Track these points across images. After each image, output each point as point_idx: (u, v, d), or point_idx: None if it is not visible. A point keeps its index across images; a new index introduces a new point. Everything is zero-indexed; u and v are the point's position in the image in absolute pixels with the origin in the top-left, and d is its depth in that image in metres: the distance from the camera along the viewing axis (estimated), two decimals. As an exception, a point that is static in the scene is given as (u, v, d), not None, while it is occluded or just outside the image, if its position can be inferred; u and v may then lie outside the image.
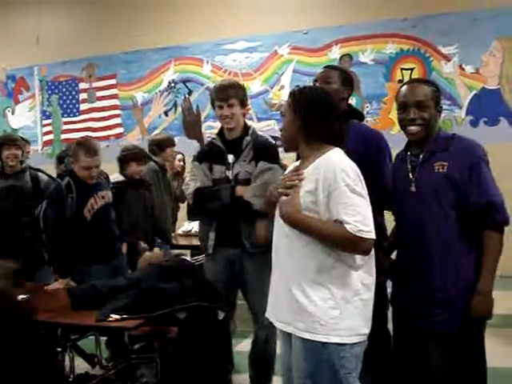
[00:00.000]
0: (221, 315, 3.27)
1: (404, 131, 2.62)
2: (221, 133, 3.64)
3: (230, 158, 3.54)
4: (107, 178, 4.36)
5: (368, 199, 2.28)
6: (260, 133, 3.68)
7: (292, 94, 2.47)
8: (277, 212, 2.43)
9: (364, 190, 2.27)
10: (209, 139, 3.76)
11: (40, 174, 4.64)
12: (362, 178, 2.30)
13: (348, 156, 2.38)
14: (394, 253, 2.81)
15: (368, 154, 2.93)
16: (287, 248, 2.37)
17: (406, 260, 2.64)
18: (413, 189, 2.56)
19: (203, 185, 3.55)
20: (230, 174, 3.53)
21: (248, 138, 3.54)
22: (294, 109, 2.39)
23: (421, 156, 2.57)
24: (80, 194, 3.99)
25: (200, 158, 3.66)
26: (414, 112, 2.55)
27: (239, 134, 3.56)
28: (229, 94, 3.49)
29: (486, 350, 2.49)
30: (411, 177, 2.58)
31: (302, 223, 2.28)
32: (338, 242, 2.24)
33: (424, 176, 2.54)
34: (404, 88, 2.67)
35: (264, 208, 3.31)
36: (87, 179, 4.00)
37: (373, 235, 2.23)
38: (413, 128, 2.56)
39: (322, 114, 2.39)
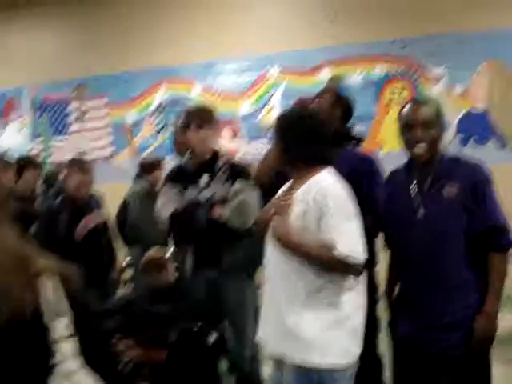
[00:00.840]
0: (213, 336, 3.25)
1: (410, 152, 2.55)
2: (191, 156, 3.65)
3: (204, 179, 3.54)
4: (100, 200, 4.35)
5: (359, 221, 2.28)
6: (238, 157, 3.72)
7: (276, 120, 2.53)
8: (269, 234, 2.42)
9: (355, 212, 2.27)
10: (181, 161, 3.77)
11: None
12: (352, 200, 2.30)
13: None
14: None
15: (360, 179, 2.92)
16: (278, 271, 2.36)
17: (413, 288, 2.57)
18: (420, 216, 2.49)
19: (177, 208, 3.53)
20: (203, 195, 3.53)
21: (222, 160, 3.55)
22: (276, 132, 2.46)
23: (428, 181, 2.51)
24: (71, 215, 3.97)
25: (172, 180, 3.65)
26: (419, 132, 2.49)
27: (210, 155, 3.57)
28: (208, 117, 3.57)
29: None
30: (417, 204, 2.50)
31: (295, 246, 2.28)
32: (328, 266, 2.24)
33: (433, 203, 2.48)
34: (407, 108, 2.61)
35: (242, 227, 3.33)
36: (79, 198, 3.98)
37: (363, 258, 2.23)
38: (420, 149, 2.50)
39: (300, 136, 2.39)
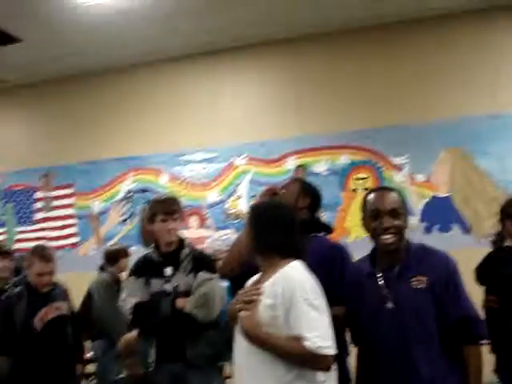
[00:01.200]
0: None
1: (376, 241, 2.51)
2: (156, 246, 3.63)
3: (169, 270, 3.53)
4: (65, 290, 4.25)
5: (328, 314, 2.26)
6: (204, 246, 3.72)
7: (249, 209, 2.57)
8: (237, 327, 2.39)
9: (323, 305, 2.26)
10: (144, 253, 3.76)
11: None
12: (321, 292, 2.29)
13: (312, 269, 2.37)
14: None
15: (331, 266, 2.91)
16: (247, 365, 2.31)
17: (384, 382, 2.46)
18: (389, 306, 2.42)
19: (141, 299, 3.50)
20: (168, 286, 3.50)
21: (186, 250, 3.55)
22: (248, 221, 2.49)
23: (395, 270, 2.46)
24: (31, 303, 3.88)
25: (136, 272, 3.63)
26: (387, 220, 2.45)
27: (176, 246, 3.57)
28: (174, 207, 3.55)
29: None
30: (386, 293, 2.44)
31: (262, 339, 2.25)
32: (297, 359, 2.21)
33: (402, 292, 2.42)
34: (374, 196, 2.57)
35: (206, 319, 3.29)
36: (40, 286, 3.91)
37: (333, 351, 2.19)
38: (388, 237, 2.44)
39: (270, 226, 2.42)
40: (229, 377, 3.58)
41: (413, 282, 2.39)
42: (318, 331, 2.16)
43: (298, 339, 2.17)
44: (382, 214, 2.48)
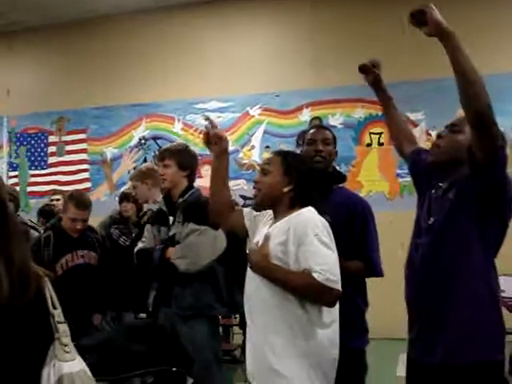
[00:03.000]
0: (189, 381, 3.18)
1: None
2: (168, 195, 3.66)
3: (170, 219, 3.59)
4: (103, 238, 4.26)
5: (336, 254, 2.27)
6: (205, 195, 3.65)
7: (282, 156, 2.50)
8: (248, 268, 2.41)
9: (333, 245, 2.29)
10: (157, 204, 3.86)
11: (31, 229, 4.53)
12: (332, 235, 2.31)
13: (332, 223, 2.39)
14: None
15: (353, 222, 2.88)
16: (256, 299, 2.35)
17: None
18: None
19: (146, 246, 3.61)
20: (170, 235, 3.58)
21: (180, 200, 3.55)
22: (286, 171, 2.42)
23: None
24: (58, 247, 3.93)
25: (151, 220, 3.75)
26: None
27: (178, 196, 3.58)
28: (164, 155, 3.57)
29: None
30: None
31: (270, 271, 2.30)
32: (304, 290, 2.25)
33: None
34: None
35: (189, 270, 3.34)
36: (72, 231, 3.96)
37: (339, 286, 2.22)
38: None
39: (312, 182, 2.46)
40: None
41: None
42: (327, 265, 2.20)
43: (307, 272, 2.21)
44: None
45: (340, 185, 3.07)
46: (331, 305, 2.26)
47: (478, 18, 6.96)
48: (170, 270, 3.44)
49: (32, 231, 4.49)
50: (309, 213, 2.35)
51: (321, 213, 2.39)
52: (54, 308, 1.54)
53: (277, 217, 2.44)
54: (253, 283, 2.39)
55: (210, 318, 3.56)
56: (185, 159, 3.60)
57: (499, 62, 6.88)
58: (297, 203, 2.40)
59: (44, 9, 8.04)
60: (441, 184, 2.32)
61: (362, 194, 6.97)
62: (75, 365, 1.54)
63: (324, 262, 2.22)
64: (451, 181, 2.26)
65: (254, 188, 2.56)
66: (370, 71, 2.79)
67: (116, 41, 8.32)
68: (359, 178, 7.26)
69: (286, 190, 2.39)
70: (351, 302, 2.64)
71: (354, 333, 2.62)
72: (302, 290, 2.24)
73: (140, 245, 3.67)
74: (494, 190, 2.12)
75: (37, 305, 1.49)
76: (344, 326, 2.36)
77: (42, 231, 4.38)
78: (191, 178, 3.64)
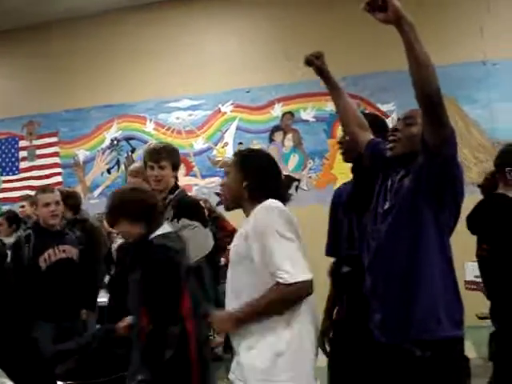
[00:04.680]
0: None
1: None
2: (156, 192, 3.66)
3: None
4: (82, 236, 4.27)
5: (298, 243, 2.34)
6: (192, 193, 3.68)
7: (239, 156, 2.59)
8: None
9: (294, 234, 2.35)
10: None
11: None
12: (293, 223, 2.38)
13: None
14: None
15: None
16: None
17: None
18: None
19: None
20: None
21: (170, 197, 3.54)
22: (241, 168, 2.49)
23: None
24: (38, 244, 3.94)
25: None
26: None
27: (166, 194, 3.57)
28: (161, 156, 3.53)
29: None
30: None
31: (243, 319, 2.34)
32: (284, 302, 2.30)
33: None
34: None
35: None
36: (50, 219, 3.96)
37: (305, 276, 2.28)
38: None
39: (269, 177, 2.51)
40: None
41: None
42: (289, 262, 2.26)
43: (272, 287, 2.27)
44: None
45: None
46: (308, 294, 2.32)
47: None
48: None
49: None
50: (269, 205, 2.38)
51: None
52: None
53: (246, 213, 2.49)
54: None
55: (200, 316, 3.58)
56: (177, 160, 3.64)
57: (466, 50, 6.96)
58: (257, 196, 2.44)
59: (9, 13, 7.93)
60: (397, 172, 2.39)
61: (335, 187, 7.02)
62: None
63: (285, 258, 2.27)
64: (407, 169, 2.32)
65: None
66: (313, 63, 2.82)
67: (84, 42, 8.23)
68: (333, 170, 7.29)
69: (243, 185, 2.45)
70: None
71: None
72: (282, 303, 2.29)
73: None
74: (446, 174, 2.21)
75: None
76: None
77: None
78: (177, 177, 3.69)
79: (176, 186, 3.63)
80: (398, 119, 2.53)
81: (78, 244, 4.18)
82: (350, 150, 2.87)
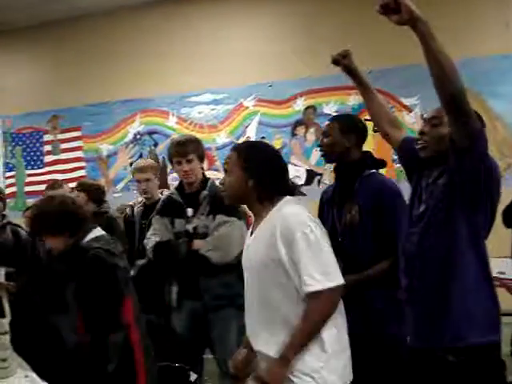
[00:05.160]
0: (193, 376, 3.20)
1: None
2: (180, 186, 3.67)
3: (189, 211, 3.59)
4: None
5: (328, 244, 2.24)
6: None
7: (238, 151, 2.38)
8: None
9: (323, 237, 2.23)
10: (167, 193, 3.81)
11: (20, 229, 4.49)
12: (318, 223, 2.27)
13: (360, 212, 2.46)
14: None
15: (381, 212, 2.86)
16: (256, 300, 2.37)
17: None
18: None
19: (163, 239, 3.57)
20: (189, 227, 3.55)
21: (205, 192, 3.58)
22: (244, 166, 2.31)
23: None
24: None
25: (162, 212, 3.69)
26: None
27: (197, 187, 3.59)
28: (187, 149, 3.55)
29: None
30: None
31: (289, 359, 2.16)
32: (321, 317, 2.19)
33: None
34: None
35: (221, 261, 3.33)
36: None
37: (337, 280, 2.19)
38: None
39: (276, 172, 2.35)
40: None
41: None
42: (320, 268, 2.12)
43: (304, 313, 2.14)
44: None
45: (373, 170, 3.07)
46: (338, 300, 2.23)
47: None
48: (198, 263, 3.44)
49: (21, 230, 4.48)
50: (289, 207, 2.24)
51: (349, 202, 2.42)
52: (2, 316, 1.45)
53: (256, 215, 2.35)
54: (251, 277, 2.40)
55: (240, 308, 3.60)
56: (202, 150, 3.67)
57: (490, 43, 6.87)
58: (267, 196, 2.28)
59: (31, 8, 7.99)
60: (432, 172, 2.32)
61: (358, 182, 7.01)
62: (10, 382, 1.43)
63: (317, 265, 2.15)
64: (442, 169, 2.27)
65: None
66: (340, 62, 2.81)
67: (107, 37, 8.27)
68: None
69: (250, 184, 2.27)
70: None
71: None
72: (321, 320, 2.17)
73: (154, 238, 3.60)
74: (478, 173, 2.14)
75: None
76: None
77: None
78: (203, 168, 3.72)
79: (205, 179, 3.65)
80: (424, 120, 2.48)
81: None
82: (329, 152, 2.92)
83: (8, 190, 8.90)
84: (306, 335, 2.14)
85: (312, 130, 7.50)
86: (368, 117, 7.46)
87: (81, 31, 8.41)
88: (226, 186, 2.37)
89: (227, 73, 7.75)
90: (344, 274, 2.38)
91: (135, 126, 8.28)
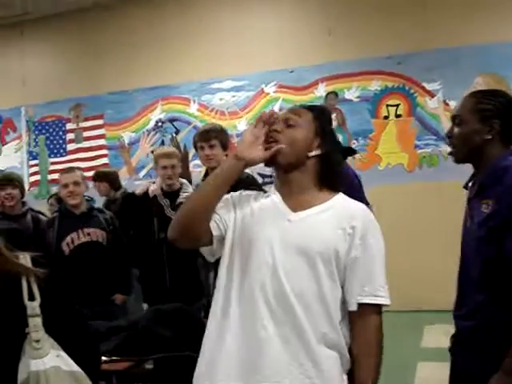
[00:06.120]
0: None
1: None
2: (206, 174, 3.71)
3: None
4: (112, 218, 4.20)
5: None
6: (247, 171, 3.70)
7: (315, 112, 1.94)
8: None
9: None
10: (196, 183, 3.85)
11: (41, 216, 4.51)
12: None
13: None
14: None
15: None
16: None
17: None
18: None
19: None
20: None
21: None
22: (317, 131, 1.90)
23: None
24: (62, 227, 3.95)
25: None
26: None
27: None
28: (210, 135, 3.60)
29: None
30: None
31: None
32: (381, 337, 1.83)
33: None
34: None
35: None
36: (68, 200, 3.97)
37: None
38: None
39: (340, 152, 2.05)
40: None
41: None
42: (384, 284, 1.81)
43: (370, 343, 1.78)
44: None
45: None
46: None
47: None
48: None
49: (41, 217, 4.49)
50: (364, 208, 1.90)
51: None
52: (32, 299, 1.47)
53: (296, 191, 1.85)
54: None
55: None
56: (226, 139, 3.72)
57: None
58: (323, 178, 1.86)
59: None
60: (472, 180, 2.16)
61: (380, 168, 6.98)
62: (45, 362, 1.45)
63: (382, 282, 1.82)
64: (478, 183, 2.10)
65: (270, 138, 1.85)
66: None
67: (129, 26, 8.29)
68: (377, 151, 7.21)
69: (312, 154, 1.85)
70: None
71: None
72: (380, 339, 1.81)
73: None
74: None
75: (8, 296, 1.44)
76: None
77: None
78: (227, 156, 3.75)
79: None
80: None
81: (108, 226, 4.08)
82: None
83: (32, 179, 9.01)
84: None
85: (333, 115, 7.46)
86: (391, 102, 7.47)
87: (101, 20, 8.45)
88: (284, 138, 1.84)
89: (248, 59, 7.74)
90: None
91: (157, 114, 8.31)
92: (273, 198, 1.90)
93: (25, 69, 8.86)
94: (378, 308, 1.80)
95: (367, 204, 2.86)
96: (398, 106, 7.22)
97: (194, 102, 8.10)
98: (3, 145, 9.24)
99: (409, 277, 6.19)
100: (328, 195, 1.86)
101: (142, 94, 8.35)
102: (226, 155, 3.73)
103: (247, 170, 3.57)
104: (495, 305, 2.00)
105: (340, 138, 7.31)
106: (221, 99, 7.98)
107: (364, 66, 7.30)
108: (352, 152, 3.08)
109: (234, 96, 7.91)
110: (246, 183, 3.53)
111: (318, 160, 1.86)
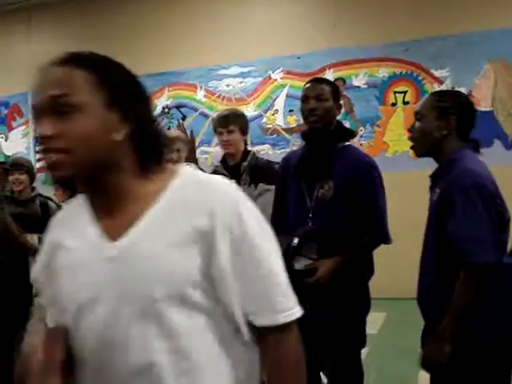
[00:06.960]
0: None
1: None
2: (224, 159, 3.72)
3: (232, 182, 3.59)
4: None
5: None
6: (261, 157, 3.75)
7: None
8: None
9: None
10: (212, 167, 3.86)
11: (49, 201, 4.52)
12: None
13: (338, 187, 2.48)
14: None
15: (360, 186, 2.71)
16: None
17: None
18: None
19: None
20: None
21: (245, 163, 3.60)
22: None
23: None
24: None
25: None
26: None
27: (239, 159, 3.63)
28: (228, 120, 3.60)
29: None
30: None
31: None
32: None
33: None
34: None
35: None
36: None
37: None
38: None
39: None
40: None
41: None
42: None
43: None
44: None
45: (346, 143, 2.88)
46: None
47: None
48: None
49: (50, 203, 4.51)
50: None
51: (324, 177, 2.33)
52: None
53: (114, 201, 1.26)
54: None
55: None
56: (245, 124, 3.72)
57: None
58: (144, 161, 1.26)
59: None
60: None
61: (388, 155, 6.95)
62: None
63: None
64: (434, 179, 2.34)
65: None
66: None
67: (135, 11, 8.27)
68: (385, 138, 7.18)
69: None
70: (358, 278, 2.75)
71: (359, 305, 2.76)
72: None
73: None
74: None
75: (16, 274, 1.43)
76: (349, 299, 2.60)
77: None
78: (246, 141, 3.75)
79: (246, 151, 3.68)
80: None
81: None
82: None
83: (38, 165, 9.00)
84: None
85: (341, 102, 7.43)
86: (399, 89, 7.43)
87: (108, 6, 8.42)
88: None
89: (255, 45, 7.71)
90: (322, 252, 2.51)
91: (163, 100, 8.30)
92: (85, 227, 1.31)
93: (32, 54, 8.85)
94: (284, 327, 1.23)
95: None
96: (405, 92, 7.18)
97: (201, 88, 8.08)
98: (10, 130, 9.25)
99: (415, 264, 6.19)
100: (159, 183, 1.27)
101: (148, 80, 8.31)
102: (245, 141, 3.73)
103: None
104: (442, 287, 2.20)
105: (347, 124, 7.29)
106: (228, 85, 7.95)
107: (371, 53, 7.25)
108: (350, 135, 3.02)
109: (241, 82, 7.88)
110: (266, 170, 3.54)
111: (130, 140, 1.27)
